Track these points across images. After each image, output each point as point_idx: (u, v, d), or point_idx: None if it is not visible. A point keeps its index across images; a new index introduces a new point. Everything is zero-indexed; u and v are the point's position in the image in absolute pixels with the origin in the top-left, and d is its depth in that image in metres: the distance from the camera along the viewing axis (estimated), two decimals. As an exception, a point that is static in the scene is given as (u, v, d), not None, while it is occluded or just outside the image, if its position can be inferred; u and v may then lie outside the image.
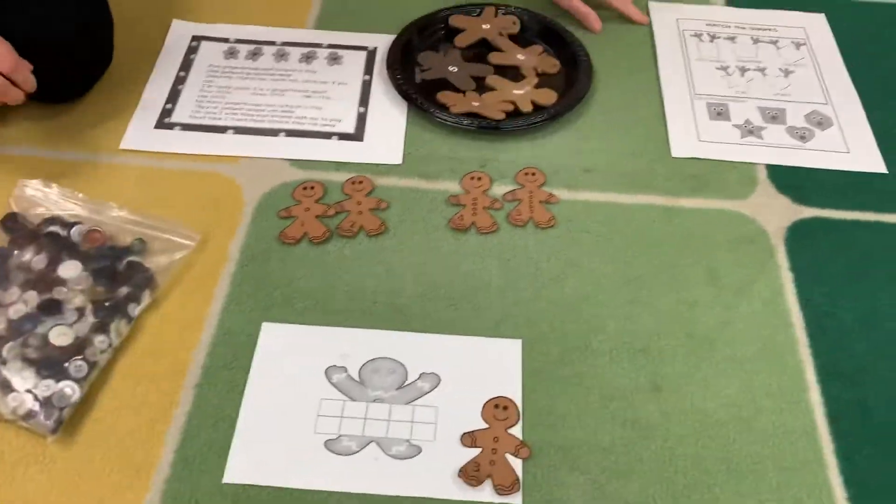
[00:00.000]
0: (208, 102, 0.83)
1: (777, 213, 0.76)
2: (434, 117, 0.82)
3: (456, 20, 0.93)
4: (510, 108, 0.84)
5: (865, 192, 0.78)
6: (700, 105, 0.86)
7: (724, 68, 0.90)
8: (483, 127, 0.82)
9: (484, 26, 0.92)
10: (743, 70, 0.90)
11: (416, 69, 0.88)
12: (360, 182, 0.77)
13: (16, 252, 0.67)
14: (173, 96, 0.83)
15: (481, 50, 0.90)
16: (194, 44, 0.89)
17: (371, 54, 0.89)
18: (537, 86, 0.86)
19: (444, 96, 0.84)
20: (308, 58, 0.89)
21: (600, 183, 0.78)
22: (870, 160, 0.81)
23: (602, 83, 0.88)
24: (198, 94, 0.84)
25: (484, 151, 0.81)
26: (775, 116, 0.84)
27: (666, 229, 0.74)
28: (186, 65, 0.87)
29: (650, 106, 0.86)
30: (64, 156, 0.78)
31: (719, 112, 0.85)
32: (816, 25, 0.97)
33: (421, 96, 0.84)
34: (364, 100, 0.85)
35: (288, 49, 0.89)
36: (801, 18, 0.98)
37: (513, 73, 0.88)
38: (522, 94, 0.85)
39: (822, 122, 0.84)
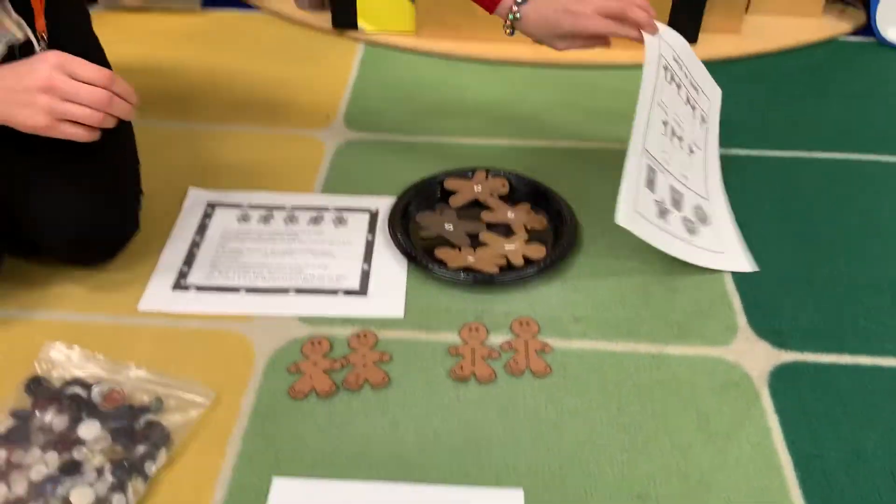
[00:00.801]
0: (222, 264, 0.89)
1: (758, 359, 0.80)
2: (433, 273, 0.88)
3: (450, 183, 1.01)
4: (503, 262, 0.90)
5: (839, 336, 0.83)
6: (644, 165, 0.82)
7: (664, 123, 0.86)
8: (478, 281, 0.88)
9: (476, 188, 1.01)
10: (674, 133, 0.87)
11: (415, 228, 0.95)
12: (365, 336, 0.82)
13: (38, 413, 0.70)
14: (189, 259, 0.90)
15: (474, 209, 0.98)
16: (209, 210, 0.97)
17: (373, 216, 0.97)
18: (527, 241, 0.93)
19: (441, 252, 0.91)
20: (315, 220, 0.96)
21: (590, 332, 0.83)
22: (737, 261, 0.87)
23: (587, 236, 0.95)
24: (212, 256, 0.90)
25: (480, 303, 0.86)
26: (677, 201, 0.83)
27: (654, 376, 0.78)
28: (202, 229, 0.94)
29: (632, 257, 0.92)
30: (86, 318, 0.82)
31: (650, 179, 0.81)
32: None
33: (420, 253, 0.90)
34: (367, 257, 0.91)
35: (297, 213, 0.97)
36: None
37: (504, 230, 0.95)
38: (514, 249, 0.92)
39: (705, 219, 0.85)
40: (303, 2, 1.39)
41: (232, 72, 1.26)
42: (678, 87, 0.86)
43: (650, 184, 0.80)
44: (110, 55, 0.96)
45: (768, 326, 0.84)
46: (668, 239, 0.82)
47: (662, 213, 0.80)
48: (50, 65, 0.71)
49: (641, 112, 0.82)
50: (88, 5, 1.42)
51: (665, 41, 0.87)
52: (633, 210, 0.81)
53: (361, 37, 1.34)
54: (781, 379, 0.78)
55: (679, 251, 0.84)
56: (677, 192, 0.82)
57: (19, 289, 0.85)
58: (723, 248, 0.84)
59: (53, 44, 0.82)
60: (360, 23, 1.33)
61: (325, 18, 1.35)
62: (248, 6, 1.43)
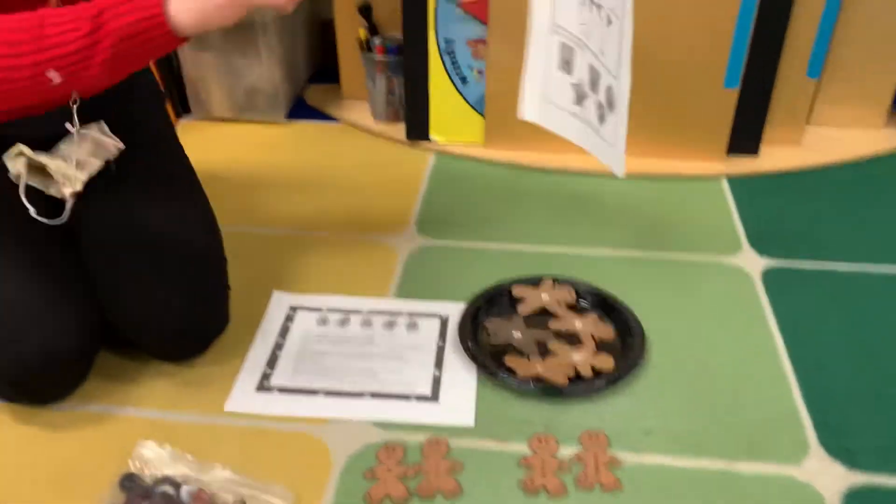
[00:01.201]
0: (303, 366, 0.94)
1: (832, 479, 0.80)
2: (503, 381, 0.91)
3: (518, 290, 1.05)
4: (572, 372, 0.92)
5: (916, 458, 0.82)
6: (555, 44, 0.72)
7: None
8: (548, 391, 0.90)
9: (543, 296, 1.04)
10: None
11: (484, 334, 0.99)
12: (437, 443, 0.84)
13: (131, 510, 0.74)
14: (272, 361, 0.95)
15: (542, 317, 1.01)
16: (291, 313, 1.02)
17: (444, 322, 1.01)
18: (595, 352, 0.95)
19: (510, 360, 0.94)
20: (389, 325, 1.00)
21: (660, 446, 0.84)
22: (619, 159, 0.79)
23: (655, 347, 0.97)
24: (294, 359, 0.95)
25: (549, 413, 0.88)
26: (594, 81, 0.74)
27: (726, 495, 0.78)
28: (284, 332, 0.99)
29: (699, 370, 0.93)
30: (178, 416, 0.87)
31: (566, 60, 0.72)
32: None
33: (490, 361, 0.93)
34: (439, 363, 0.95)
35: (372, 317, 1.01)
36: None
37: (572, 339, 0.98)
38: (582, 359, 0.94)
39: (612, 104, 0.75)
40: (380, 115, 1.49)
41: (312, 179, 1.34)
42: None
43: (566, 65, 0.71)
44: (201, 159, 1.06)
45: (840, 445, 0.83)
46: (581, 129, 0.74)
47: (580, 97, 0.73)
48: None
49: None
50: (183, 115, 1.55)
51: None
52: (541, 99, 0.72)
53: (433, 147, 1.42)
54: (856, 502, 0.77)
55: (587, 143, 0.76)
56: (595, 72, 0.74)
57: (112, 384, 0.91)
58: (615, 141, 0.77)
59: (140, 148, 0.90)
60: (433, 135, 1.41)
61: (399, 130, 1.44)
62: (329, 118, 1.54)
